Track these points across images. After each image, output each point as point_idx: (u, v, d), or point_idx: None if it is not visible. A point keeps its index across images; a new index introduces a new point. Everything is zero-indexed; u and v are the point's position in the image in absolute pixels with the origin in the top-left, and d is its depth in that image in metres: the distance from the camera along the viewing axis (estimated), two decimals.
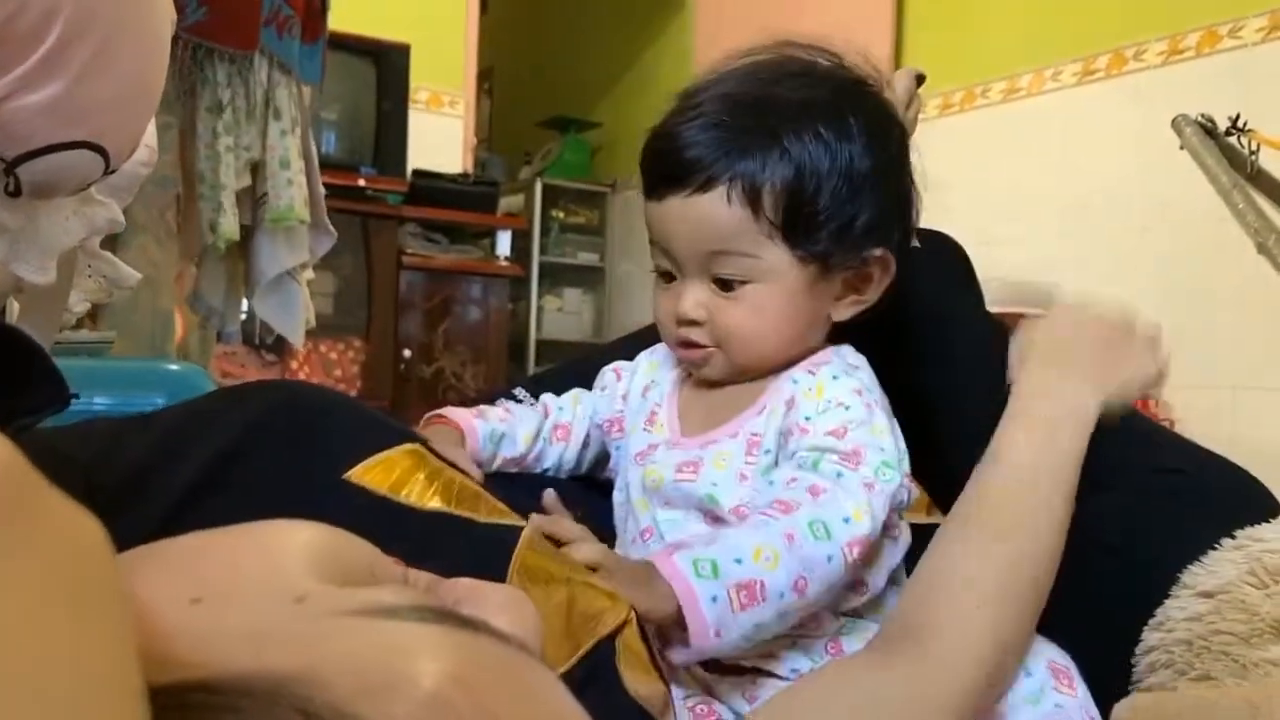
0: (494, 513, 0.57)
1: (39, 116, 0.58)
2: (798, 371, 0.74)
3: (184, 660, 0.24)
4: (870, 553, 0.67)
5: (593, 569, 0.59)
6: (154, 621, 0.25)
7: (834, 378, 0.73)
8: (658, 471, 0.74)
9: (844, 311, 0.76)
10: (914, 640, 0.64)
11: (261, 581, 0.28)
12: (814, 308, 0.74)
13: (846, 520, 0.64)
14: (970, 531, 0.69)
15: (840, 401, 0.71)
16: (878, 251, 0.74)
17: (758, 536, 0.62)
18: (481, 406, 0.83)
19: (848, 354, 0.77)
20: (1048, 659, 0.67)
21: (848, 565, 0.64)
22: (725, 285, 0.72)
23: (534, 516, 0.62)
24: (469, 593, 0.34)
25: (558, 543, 0.62)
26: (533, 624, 0.34)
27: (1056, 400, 0.76)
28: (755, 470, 0.72)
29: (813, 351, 0.77)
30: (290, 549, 0.29)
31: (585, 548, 0.62)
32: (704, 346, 0.74)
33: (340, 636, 0.26)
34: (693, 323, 0.73)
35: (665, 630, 0.61)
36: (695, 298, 0.72)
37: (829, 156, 0.70)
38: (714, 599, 0.59)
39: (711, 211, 0.69)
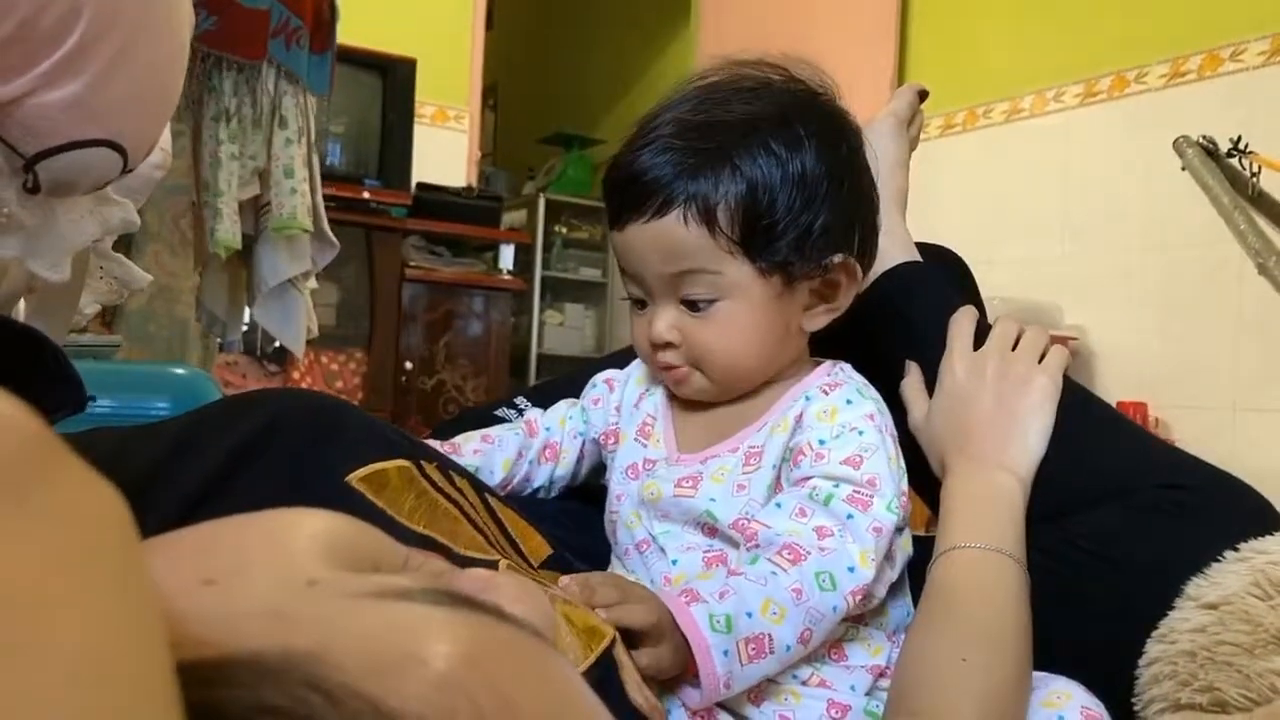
0: (471, 545, 0.56)
1: (60, 113, 0.59)
2: (810, 389, 0.75)
3: (197, 639, 0.24)
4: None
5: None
6: (167, 603, 0.25)
7: (848, 402, 0.73)
8: (656, 486, 0.74)
9: (817, 321, 0.76)
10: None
11: (274, 565, 0.28)
12: (784, 319, 0.74)
13: (852, 570, 0.65)
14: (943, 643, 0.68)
15: (854, 426, 0.71)
16: (838, 258, 0.74)
17: (766, 590, 0.63)
18: (458, 439, 0.83)
19: (850, 372, 0.78)
20: (1080, 705, 0.66)
21: (848, 610, 0.66)
22: (693, 305, 0.72)
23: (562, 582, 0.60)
24: (482, 582, 0.34)
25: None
26: (546, 614, 0.34)
27: (984, 498, 0.77)
28: (753, 478, 0.72)
29: (795, 364, 0.78)
30: (302, 535, 0.29)
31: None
32: (680, 367, 0.75)
33: (353, 617, 0.26)
34: (667, 345, 0.74)
35: (672, 679, 0.61)
36: (667, 320, 0.73)
37: (779, 168, 0.70)
38: (725, 653, 0.60)
39: (670, 233, 0.70)
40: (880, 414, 0.74)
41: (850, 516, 0.67)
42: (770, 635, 0.62)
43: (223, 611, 0.26)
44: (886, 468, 0.70)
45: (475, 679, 0.25)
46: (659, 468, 0.77)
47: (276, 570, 0.28)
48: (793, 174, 0.71)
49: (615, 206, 0.74)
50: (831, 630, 0.66)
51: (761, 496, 0.71)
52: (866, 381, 0.77)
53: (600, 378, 0.87)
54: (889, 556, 0.70)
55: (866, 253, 0.77)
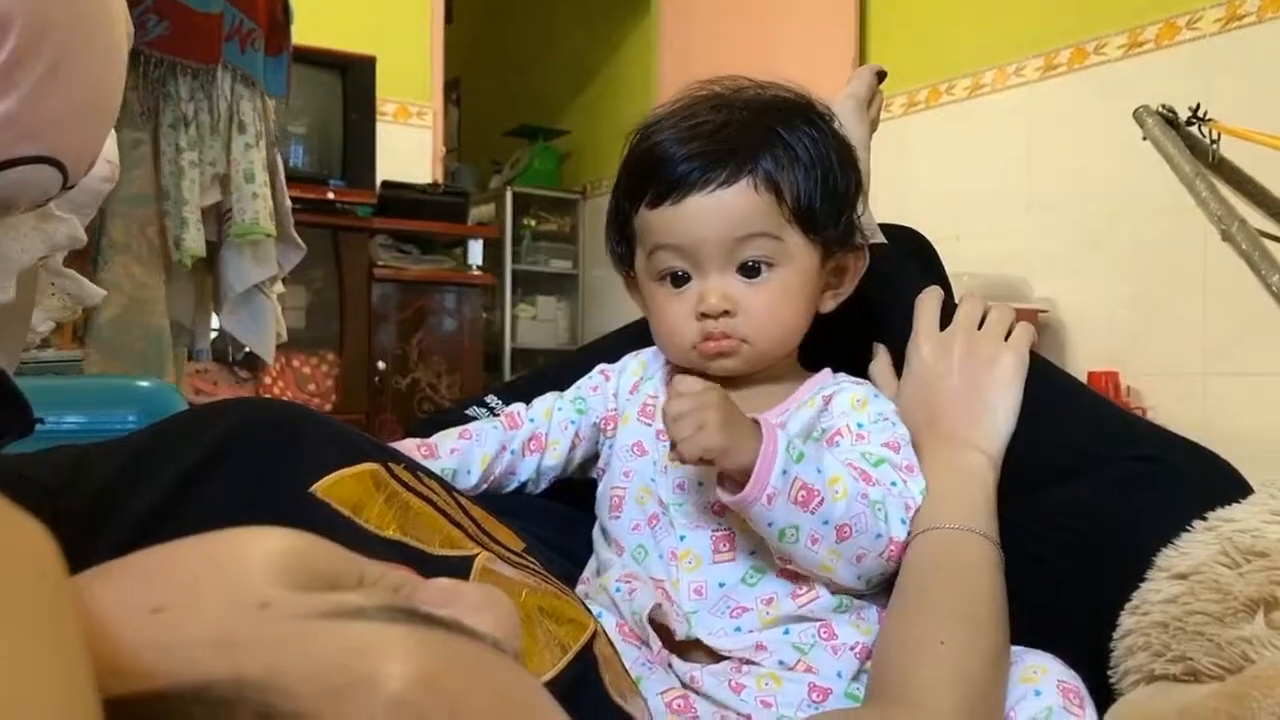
0: (447, 543, 0.56)
1: None
2: (828, 384, 0.80)
3: (146, 670, 0.24)
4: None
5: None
6: (115, 633, 0.24)
7: (875, 395, 0.80)
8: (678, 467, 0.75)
9: (826, 305, 0.81)
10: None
11: (224, 589, 0.27)
12: (815, 298, 0.80)
13: (902, 521, 0.71)
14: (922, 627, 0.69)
15: (886, 417, 0.77)
16: (859, 239, 0.80)
17: (843, 472, 0.69)
18: (435, 439, 0.83)
19: (850, 380, 0.82)
20: (1057, 678, 0.66)
21: (881, 557, 0.70)
22: (753, 271, 0.75)
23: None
24: (444, 593, 0.33)
25: None
26: (510, 623, 0.33)
27: (958, 482, 0.77)
28: None
29: (795, 366, 0.83)
30: (254, 556, 0.29)
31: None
32: (730, 338, 0.76)
33: (304, 640, 0.25)
34: (722, 314, 0.76)
35: (722, 473, 0.68)
36: (721, 290, 0.75)
37: (823, 148, 0.77)
38: (784, 473, 0.66)
39: (739, 200, 0.74)
40: (897, 416, 0.79)
41: (894, 484, 0.73)
42: (823, 498, 0.67)
43: (172, 640, 0.26)
44: (915, 458, 0.76)
45: (429, 699, 0.24)
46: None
47: (228, 594, 0.28)
48: (833, 155, 0.77)
49: (666, 184, 0.75)
50: (861, 559, 0.70)
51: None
52: None
53: (596, 370, 0.89)
54: None
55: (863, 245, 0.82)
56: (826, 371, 0.82)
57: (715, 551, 0.73)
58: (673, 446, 0.67)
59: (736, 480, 0.67)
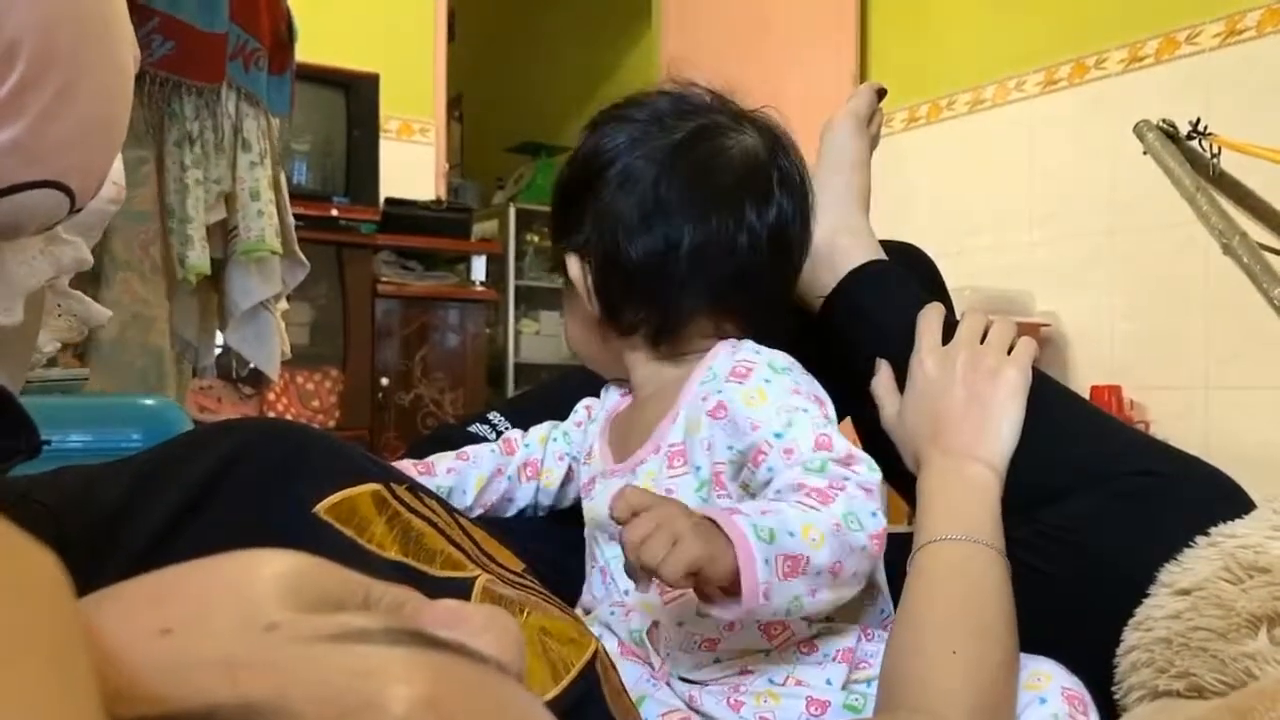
0: (448, 565, 0.56)
1: (1, 157, 0.58)
2: (720, 380, 0.73)
3: (153, 693, 0.24)
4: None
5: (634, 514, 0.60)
6: (121, 655, 0.25)
7: (767, 381, 0.72)
8: (595, 508, 0.76)
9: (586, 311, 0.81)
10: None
11: (232, 610, 0.27)
12: (578, 307, 0.81)
13: (873, 514, 0.66)
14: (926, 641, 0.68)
15: (795, 407, 0.71)
16: (562, 243, 0.81)
17: (807, 518, 0.63)
18: (431, 459, 0.84)
19: (752, 348, 0.76)
20: (1061, 685, 0.66)
21: (872, 557, 0.66)
22: None
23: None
24: (449, 614, 0.33)
25: None
26: (515, 645, 0.33)
27: (960, 491, 0.77)
28: (679, 483, 0.72)
29: (655, 353, 0.79)
30: (260, 578, 0.29)
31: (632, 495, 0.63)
32: None
33: (311, 662, 0.26)
34: None
35: (708, 588, 0.61)
36: None
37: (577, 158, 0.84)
38: (767, 562, 0.60)
39: None
40: (803, 384, 0.74)
41: (847, 479, 0.67)
42: (807, 558, 0.62)
43: (179, 663, 0.26)
44: (843, 440, 0.70)
45: None
46: (596, 485, 0.78)
47: (235, 616, 0.28)
48: (606, 161, 0.81)
49: None
50: (858, 574, 0.66)
51: (692, 501, 0.71)
52: (773, 351, 0.76)
53: (582, 404, 0.89)
54: None
55: (615, 255, 0.77)
56: (723, 352, 0.76)
57: (663, 593, 0.70)
58: (636, 575, 0.61)
59: (722, 589, 0.62)
